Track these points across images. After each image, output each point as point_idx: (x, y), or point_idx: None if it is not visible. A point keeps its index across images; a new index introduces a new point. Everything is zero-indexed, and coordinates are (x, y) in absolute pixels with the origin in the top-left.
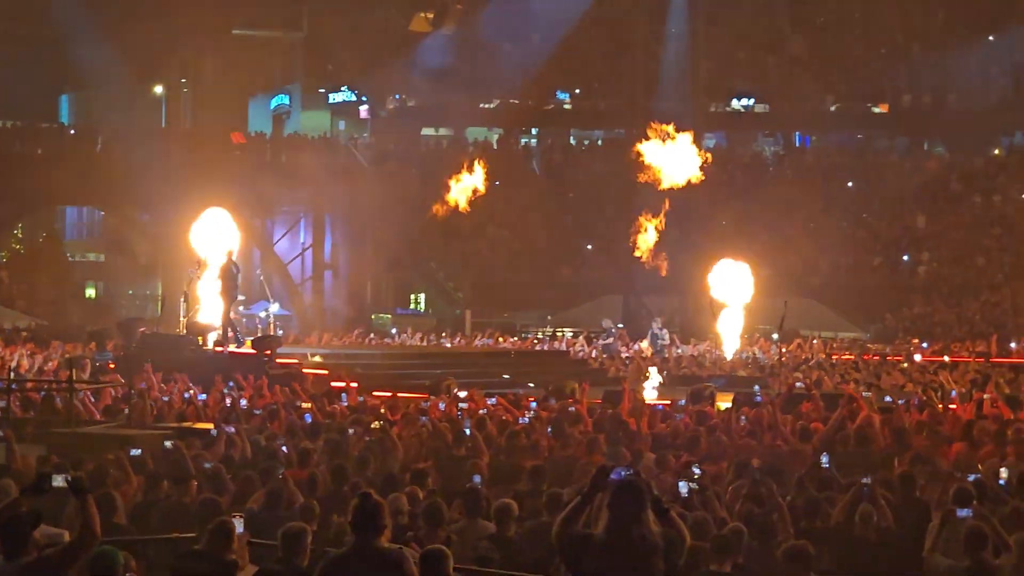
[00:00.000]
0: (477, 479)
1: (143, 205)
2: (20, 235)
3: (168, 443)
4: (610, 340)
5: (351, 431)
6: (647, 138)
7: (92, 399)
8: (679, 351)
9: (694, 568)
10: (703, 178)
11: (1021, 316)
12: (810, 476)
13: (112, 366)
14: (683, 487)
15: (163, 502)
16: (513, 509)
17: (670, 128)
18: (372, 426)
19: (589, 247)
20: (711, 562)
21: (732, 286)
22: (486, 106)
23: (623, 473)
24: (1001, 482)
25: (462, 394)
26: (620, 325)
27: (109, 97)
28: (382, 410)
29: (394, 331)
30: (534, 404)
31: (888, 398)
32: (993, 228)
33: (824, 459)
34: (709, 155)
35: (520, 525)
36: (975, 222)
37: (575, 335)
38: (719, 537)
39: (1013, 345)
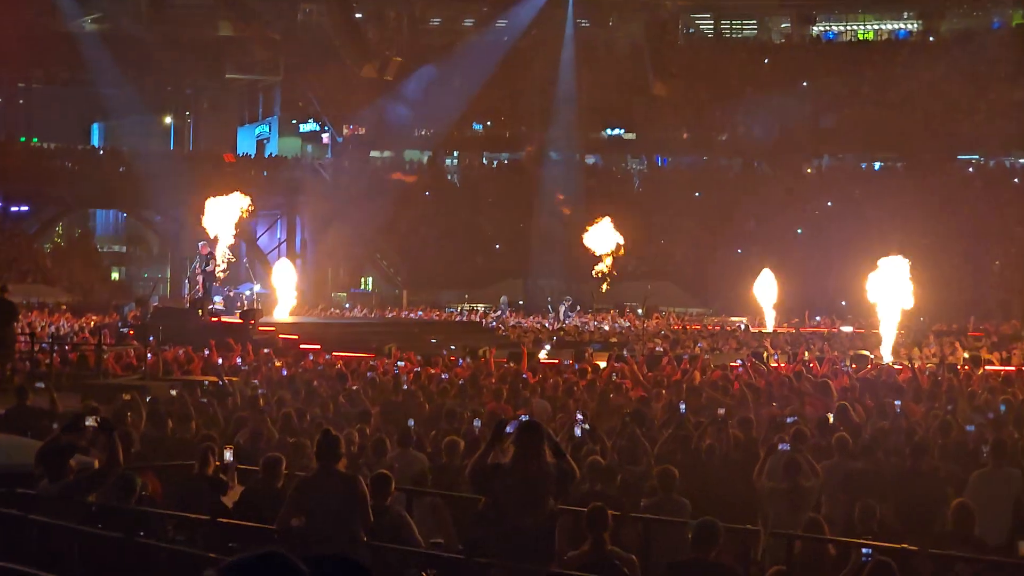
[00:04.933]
0: (411, 423)
1: (156, 209)
2: (61, 231)
3: (173, 391)
4: (499, 313)
5: (315, 382)
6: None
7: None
8: (573, 324)
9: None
10: None
11: (827, 295)
12: (670, 420)
13: (131, 332)
14: (577, 430)
15: (169, 438)
16: (460, 445)
17: None
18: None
19: (497, 247)
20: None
21: (605, 239)
22: (420, 134)
23: (524, 419)
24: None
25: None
26: (521, 302)
27: (130, 125)
28: (339, 366)
29: (347, 306)
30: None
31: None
32: (803, 228)
33: (682, 407)
34: None
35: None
36: (791, 224)
37: (486, 310)
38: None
39: (818, 318)
